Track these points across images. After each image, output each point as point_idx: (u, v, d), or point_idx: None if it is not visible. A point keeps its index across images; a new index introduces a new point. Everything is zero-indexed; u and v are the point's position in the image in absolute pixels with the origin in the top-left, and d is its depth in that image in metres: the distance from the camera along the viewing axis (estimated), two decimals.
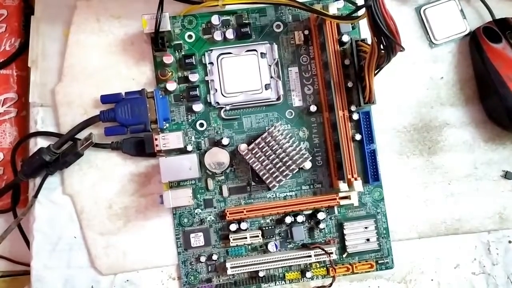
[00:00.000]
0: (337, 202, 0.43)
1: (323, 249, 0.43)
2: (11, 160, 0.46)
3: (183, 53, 0.45)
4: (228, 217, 0.43)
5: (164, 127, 0.45)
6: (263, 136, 0.43)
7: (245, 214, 0.43)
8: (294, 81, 0.46)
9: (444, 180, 0.46)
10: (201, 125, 0.45)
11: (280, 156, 0.43)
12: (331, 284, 0.43)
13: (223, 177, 0.45)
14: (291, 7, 0.46)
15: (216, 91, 0.45)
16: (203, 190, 0.45)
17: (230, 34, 0.45)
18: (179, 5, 0.45)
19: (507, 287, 0.46)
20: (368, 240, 0.45)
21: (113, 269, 0.45)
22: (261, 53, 0.45)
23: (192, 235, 0.45)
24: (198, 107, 0.45)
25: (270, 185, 0.43)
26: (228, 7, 0.45)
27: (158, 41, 0.43)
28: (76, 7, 0.46)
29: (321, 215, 0.44)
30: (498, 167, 0.47)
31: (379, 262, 0.45)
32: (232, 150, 0.45)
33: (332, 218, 0.45)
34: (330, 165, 0.45)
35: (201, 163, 0.44)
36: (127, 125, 0.43)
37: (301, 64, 0.46)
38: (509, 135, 0.46)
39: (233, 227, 0.44)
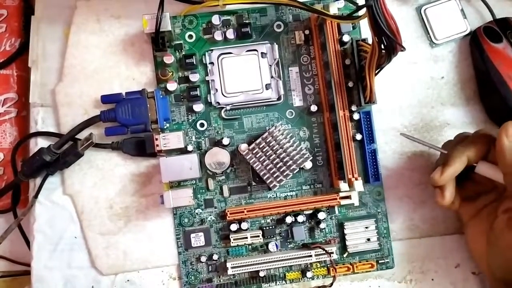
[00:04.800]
0: (338, 202, 0.43)
1: (323, 249, 0.43)
2: (11, 160, 0.46)
3: (183, 53, 0.45)
4: (229, 217, 0.43)
5: (165, 127, 0.45)
6: (264, 136, 0.43)
7: (245, 214, 0.43)
8: (294, 81, 0.46)
9: None
10: (202, 125, 0.45)
11: (281, 156, 0.43)
12: (331, 284, 0.43)
13: (223, 177, 0.45)
14: (291, 7, 0.46)
15: (217, 91, 0.45)
16: (203, 190, 0.45)
17: (230, 34, 0.45)
18: (180, 5, 0.45)
19: None
20: (368, 239, 0.45)
21: (113, 269, 0.45)
22: (262, 53, 0.45)
23: (192, 235, 0.45)
24: (198, 107, 0.45)
25: (271, 185, 0.43)
26: (228, 7, 0.45)
27: (159, 41, 0.43)
28: (77, 7, 0.46)
29: (321, 215, 0.44)
30: None
31: (379, 262, 0.45)
32: (232, 150, 0.45)
33: (333, 218, 0.45)
34: (331, 165, 0.45)
35: (202, 163, 0.44)
36: (127, 125, 0.43)
37: (302, 64, 0.46)
38: None
39: (233, 227, 0.44)
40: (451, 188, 0.40)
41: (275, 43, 0.45)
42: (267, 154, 0.43)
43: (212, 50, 0.45)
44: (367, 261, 0.45)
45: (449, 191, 0.40)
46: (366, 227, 0.45)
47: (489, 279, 0.41)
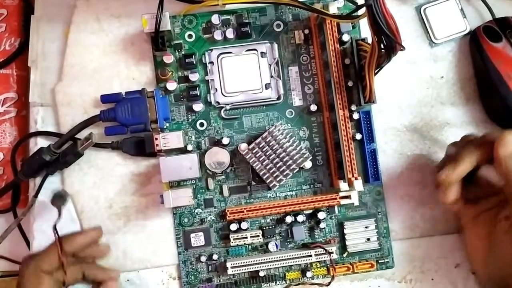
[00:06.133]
0: (338, 201, 0.43)
1: (323, 248, 0.43)
2: (11, 160, 0.46)
3: (183, 52, 0.45)
4: (229, 216, 0.43)
5: (164, 127, 0.45)
6: (264, 135, 0.43)
7: (245, 214, 0.43)
8: (294, 80, 0.46)
9: None
10: (201, 124, 0.45)
11: (281, 156, 0.43)
12: (329, 284, 0.43)
13: (223, 177, 0.45)
14: (291, 7, 0.46)
15: (216, 90, 0.45)
16: (203, 190, 0.45)
17: (230, 33, 0.45)
18: (179, 5, 0.45)
19: None
20: (368, 239, 0.45)
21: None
22: (261, 52, 0.45)
23: (192, 234, 0.45)
24: (198, 106, 0.45)
25: (271, 185, 0.43)
26: (228, 7, 0.45)
27: (158, 40, 0.43)
28: (76, 6, 0.46)
29: (321, 215, 0.44)
30: None
31: (379, 261, 0.45)
32: (232, 149, 0.45)
33: (333, 217, 0.45)
34: (331, 164, 0.45)
35: (201, 163, 0.44)
36: (127, 124, 0.43)
37: (301, 64, 0.46)
38: None
39: (233, 226, 0.44)
40: (456, 187, 0.39)
41: (274, 43, 0.45)
42: (267, 153, 0.43)
43: (211, 49, 0.45)
44: (367, 260, 0.45)
45: (453, 190, 0.39)
46: (366, 227, 0.45)
47: (484, 281, 0.41)
